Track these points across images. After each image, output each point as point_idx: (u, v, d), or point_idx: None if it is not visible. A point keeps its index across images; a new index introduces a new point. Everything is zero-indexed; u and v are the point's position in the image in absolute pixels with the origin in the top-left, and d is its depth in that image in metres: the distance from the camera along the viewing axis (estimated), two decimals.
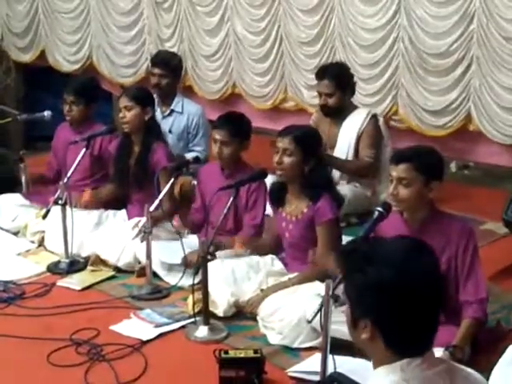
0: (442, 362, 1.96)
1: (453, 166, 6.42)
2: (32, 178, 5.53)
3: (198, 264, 3.88)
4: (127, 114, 4.85)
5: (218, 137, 4.48)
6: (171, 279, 4.45)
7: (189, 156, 5.57)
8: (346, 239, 4.38)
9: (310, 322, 3.31)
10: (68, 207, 4.63)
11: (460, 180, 6.28)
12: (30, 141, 8.29)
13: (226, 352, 3.47)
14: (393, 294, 1.83)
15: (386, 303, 1.84)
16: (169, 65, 5.90)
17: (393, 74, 6.26)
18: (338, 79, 5.39)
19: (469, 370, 2.08)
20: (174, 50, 7.31)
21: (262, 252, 4.38)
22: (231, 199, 4.03)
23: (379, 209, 3.45)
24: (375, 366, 1.94)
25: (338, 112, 5.46)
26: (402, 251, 1.91)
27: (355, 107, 5.61)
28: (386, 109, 6.32)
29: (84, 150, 4.77)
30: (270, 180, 4.45)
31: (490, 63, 5.68)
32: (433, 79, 6.05)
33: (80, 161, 4.78)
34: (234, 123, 4.54)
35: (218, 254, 4.22)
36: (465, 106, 5.91)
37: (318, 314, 3.17)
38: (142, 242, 4.33)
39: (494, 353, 3.34)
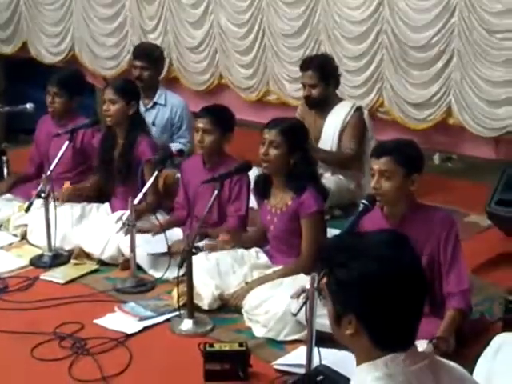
0: (425, 356, 1.94)
1: (436, 159, 6.44)
2: (15, 177, 5.52)
3: (182, 256, 3.86)
4: (111, 107, 4.82)
5: (200, 125, 4.48)
6: (156, 272, 4.43)
7: (174, 146, 5.56)
8: (330, 231, 4.40)
9: (295, 315, 3.33)
10: (51, 200, 4.59)
11: (443, 172, 6.30)
12: (12, 133, 8.24)
13: (211, 345, 3.47)
14: (377, 288, 1.82)
15: (371, 297, 1.83)
16: (150, 57, 5.85)
17: (377, 67, 6.27)
18: (321, 70, 5.38)
19: (452, 363, 2.06)
20: (158, 41, 7.29)
21: (247, 245, 4.38)
22: (216, 192, 4.01)
23: (364, 201, 3.46)
24: (358, 363, 1.93)
25: (322, 104, 5.45)
26: (384, 244, 1.90)
27: (340, 99, 5.60)
28: (373, 101, 6.34)
29: (67, 142, 4.74)
30: (254, 173, 4.44)
31: (472, 56, 5.70)
32: (415, 72, 6.06)
33: (63, 154, 4.74)
34: (216, 113, 4.54)
35: (202, 244, 4.23)
36: (445, 99, 5.92)
37: (303, 307, 3.18)
38: (125, 235, 4.31)
39: (478, 345, 3.37)
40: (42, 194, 4.55)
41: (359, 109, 5.53)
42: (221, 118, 4.50)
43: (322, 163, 5.42)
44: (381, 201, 3.50)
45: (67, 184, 5.18)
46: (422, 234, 3.49)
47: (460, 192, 5.81)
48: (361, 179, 5.49)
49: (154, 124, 5.76)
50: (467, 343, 3.53)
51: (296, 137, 4.07)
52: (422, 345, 3.34)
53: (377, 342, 1.87)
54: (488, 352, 3.20)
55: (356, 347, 1.92)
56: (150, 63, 5.84)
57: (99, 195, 5.15)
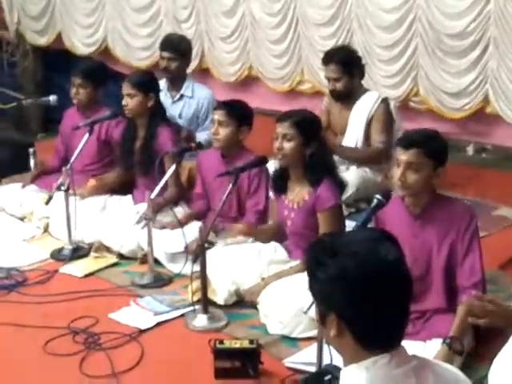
0: (413, 359, 1.88)
1: (470, 149, 6.28)
2: (41, 169, 5.56)
3: (196, 252, 3.81)
4: (129, 101, 4.81)
5: (215, 116, 4.47)
6: (173, 266, 4.40)
7: (200, 137, 5.52)
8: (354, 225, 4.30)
9: (305, 312, 3.26)
10: (71, 193, 4.59)
11: (477, 163, 6.14)
12: (49, 124, 8.30)
13: (222, 342, 3.42)
14: (354, 283, 1.78)
15: (349, 293, 1.79)
16: (178, 48, 5.81)
17: (412, 55, 6.16)
18: (344, 63, 5.27)
19: (446, 366, 1.99)
20: (191, 31, 7.27)
21: (267, 238, 4.31)
22: (230, 186, 3.96)
23: (378, 197, 3.37)
24: (345, 365, 1.88)
25: (347, 96, 5.34)
26: (363, 241, 1.85)
27: (365, 90, 5.48)
28: (407, 90, 6.22)
29: (87, 135, 4.72)
30: (272, 166, 4.37)
31: (509, 44, 5.55)
32: (451, 61, 5.94)
33: (84, 146, 4.74)
34: (232, 105, 4.50)
35: (219, 241, 4.18)
36: (482, 88, 5.79)
37: (314, 305, 3.11)
38: (142, 228, 4.28)
39: (498, 343, 3.25)
40: (62, 187, 4.54)
41: (385, 100, 5.40)
42: (236, 111, 4.45)
43: (350, 161, 5.32)
44: (405, 193, 3.42)
45: (92, 180, 5.18)
46: (443, 225, 3.44)
47: (493, 183, 5.65)
48: (387, 171, 5.36)
49: (180, 116, 5.73)
50: (487, 341, 3.41)
51: (309, 128, 3.99)
52: (436, 344, 3.27)
53: (360, 341, 1.83)
54: (506, 352, 3.09)
55: (342, 349, 1.88)
56: (178, 54, 5.79)
57: (122, 187, 5.13)
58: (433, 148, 3.37)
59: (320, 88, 6.72)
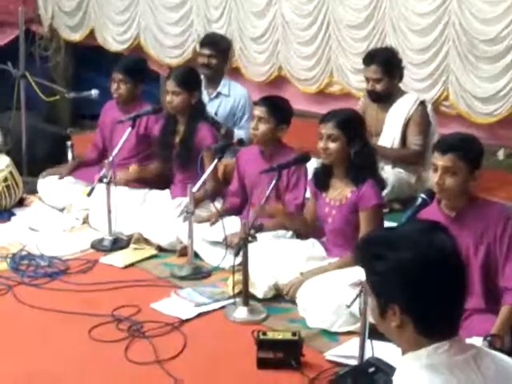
0: (471, 347, 1.94)
1: (500, 154, 6.32)
2: (78, 161, 5.67)
3: (238, 245, 3.89)
4: (175, 98, 4.88)
5: (256, 112, 4.54)
6: (212, 260, 4.47)
7: (237, 133, 5.59)
8: (388, 225, 4.36)
9: (348, 306, 3.33)
10: (113, 185, 4.68)
11: (508, 168, 6.18)
12: (77, 119, 8.41)
13: (265, 333, 3.49)
14: (415, 274, 1.83)
15: (411, 284, 1.84)
16: (218, 46, 5.88)
17: (443, 60, 6.19)
18: (386, 65, 5.31)
19: (503, 355, 2.03)
20: (222, 31, 7.32)
21: (300, 227, 4.40)
22: (274, 182, 4.02)
23: (423, 196, 3.43)
24: (404, 353, 1.94)
25: (385, 97, 5.39)
26: (417, 232, 1.91)
27: (403, 93, 5.53)
28: (437, 94, 6.26)
29: (129, 129, 4.81)
30: (313, 164, 4.43)
31: None
32: (483, 66, 5.97)
33: (126, 140, 4.82)
34: (273, 103, 4.57)
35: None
36: None
37: (357, 300, 3.19)
38: (184, 221, 4.36)
39: None
40: (104, 180, 4.63)
41: (423, 103, 5.45)
42: (277, 109, 4.51)
43: (385, 160, 5.37)
44: (443, 196, 3.47)
45: (134, 166, 5.26)
46: (479, 227, 3.47)
47: None
48: (422, 173, 5.41)
49: (216, 114, 5.78)
50: None
51: (353, 127, 4.05)
52: (476, 342, 3.32)
53: (421, 330, 1.88)
54: None
55: (401, 338, 1.93)
56: (218, 52, 5.86)
57: (159, 182, 5.21)
58: (469, 152, 3.41)
59: (349, 90, 6.79)
